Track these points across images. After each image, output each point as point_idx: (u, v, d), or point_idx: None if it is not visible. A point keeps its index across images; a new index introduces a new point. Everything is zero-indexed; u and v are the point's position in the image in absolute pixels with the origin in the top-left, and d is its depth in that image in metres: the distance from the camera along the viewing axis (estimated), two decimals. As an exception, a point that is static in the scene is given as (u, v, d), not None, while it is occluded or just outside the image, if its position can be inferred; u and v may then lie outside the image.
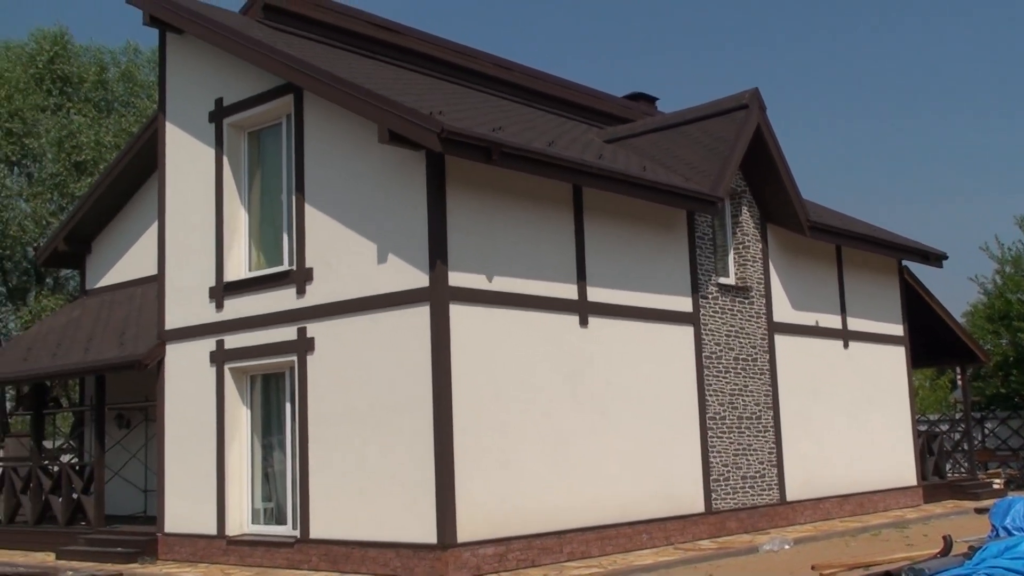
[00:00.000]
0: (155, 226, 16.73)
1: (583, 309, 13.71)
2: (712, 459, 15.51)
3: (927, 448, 21.50)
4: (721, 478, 15.63)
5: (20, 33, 53.17)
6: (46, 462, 17.90)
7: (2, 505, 18.03)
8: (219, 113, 14.79)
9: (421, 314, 11.94)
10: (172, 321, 15.25)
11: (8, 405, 30.12)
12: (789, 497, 16.94)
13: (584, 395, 13.56)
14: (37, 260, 22.86)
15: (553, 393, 13.13)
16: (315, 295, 13.21)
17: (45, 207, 29.89)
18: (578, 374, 13.52)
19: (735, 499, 15.82)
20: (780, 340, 17.34)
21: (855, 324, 19.38)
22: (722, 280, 16.42)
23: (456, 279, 12.05)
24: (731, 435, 15.98)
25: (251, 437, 14.40)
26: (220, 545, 14.09)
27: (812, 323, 18.27)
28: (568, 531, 12.96)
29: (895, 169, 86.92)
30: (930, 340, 23.01)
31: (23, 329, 28.51)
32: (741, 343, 16.49)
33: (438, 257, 11.87)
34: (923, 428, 26.03)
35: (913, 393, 20.98)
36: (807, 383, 17.87)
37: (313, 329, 13.18)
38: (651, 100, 23.02)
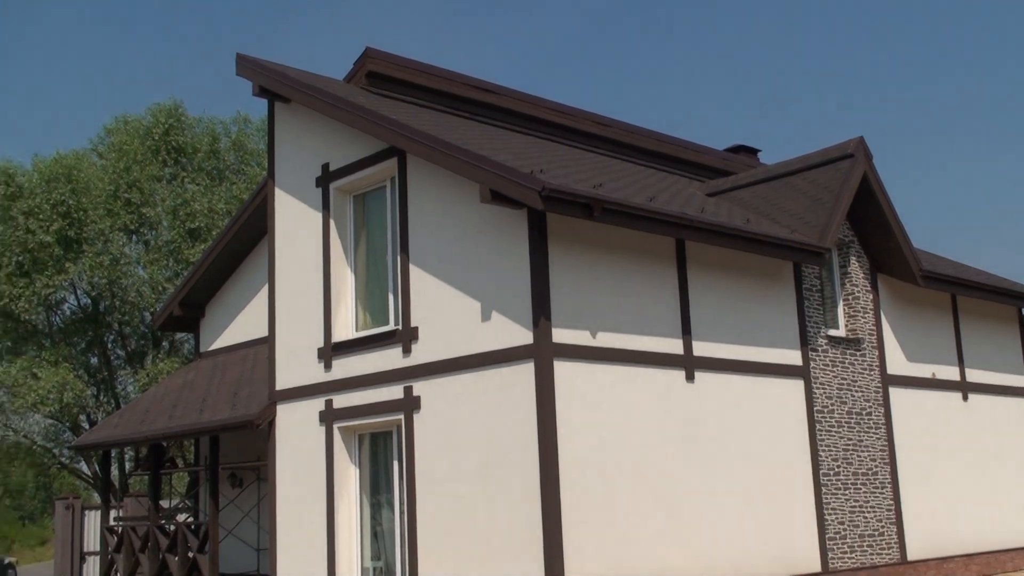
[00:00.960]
0: (265, 289, 17.18)
1: (689, 364, 13.54)
2: (827, 516, 15.06)
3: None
4: (838, 536, 15.15)
5: (138, 108, 55.61)
6: (163, 521, 18.32)
7: (122, 563, 18.48)
8: (326, 178, 15.16)
9: (526, 371, 11.95)
10: (282, 382, 15.55)
11: (127, 465, 31.00)
12: (910, 556, 16.31)
13: (692, 451, 13.34)
14: (154, 325, 23.62)
15: (661, 449, 12.95)
16: (421, 354, 13.34)
17: (161, 273, 30.92)
18: (686, 430, 13.32)
19: (853, 558, 15.30)
20: (895, 393, 16.84)
21: (974, 375, 18.71)
22: (832, 332, 16.06)
23: (560, 335, 12.04)
24: (846, 492, 15.51)
25: (360, 496, 14.52)
26: (330, 604, 14.17)
27: (928, 375, 17.70)
28: (679, 591, 12.68)
29: (1009, 212, 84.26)
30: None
31: (141, 391, 29.41)
32: (854, 396, 16.06)
33: (542, 314, 11.89)
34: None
35: (1039, 446, 20.08)
36: (925, 437, 17.28)
37: (419, 388, 13.30)
38: (753, 152, 22.83)
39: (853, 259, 16.66)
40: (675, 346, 13.45)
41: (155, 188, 31.51)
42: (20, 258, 29.46)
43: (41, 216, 29.36)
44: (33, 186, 29.99)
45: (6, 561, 30.82)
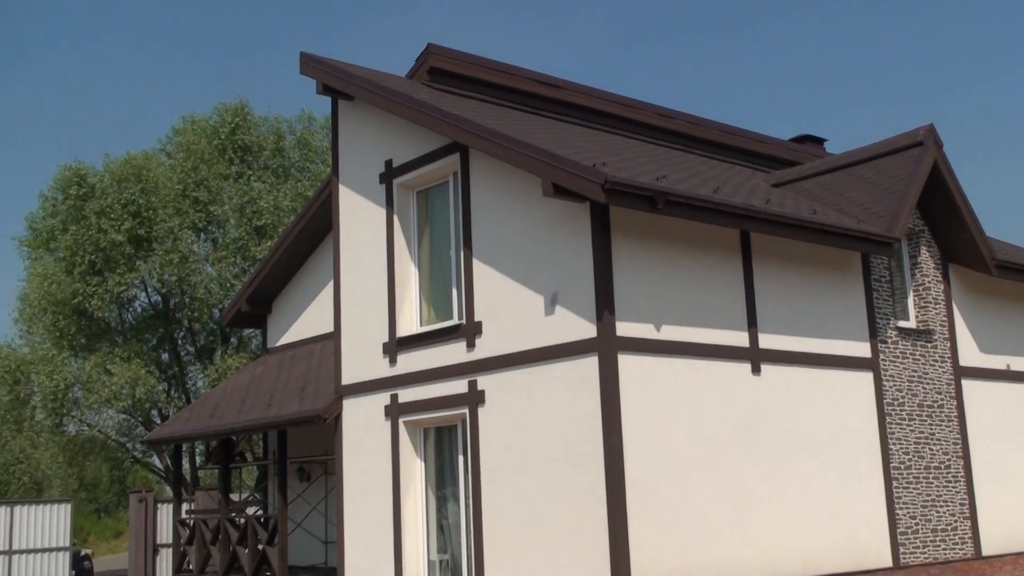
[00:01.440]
0: (331, 285, 17.35)
1: (755, 356, 13.40)
2: (898, 511, 14.81)
3: None
4: (909, 531, 14.89)
5: (204, 107, 56.45)
6: (233, 514, 18.62)
7: (194, 556, 18.82)
8: (389, 174, 15.27)
9: (589, 365, 11.92)
10: (348, 376, 15.70)
11: (198, 459, 31.55)
12: (985, 551, 15.97)
13: (759, 444, 13.21)
14: (222, 321, 23.97)
15: (726, 443, 12.84)
16: (484, 348, 13.38)
17: (229, 270, 31.38)
18: (752, 423, 13.19)
19: (925, 553, 15.03)
20: (968, 385, 16.50)
21: (1050, 366, 18.24)
22: (902, 323, 15.78)
23: (624, 329, 11.99)
24: (918, 485, 15.23)
25: (425, 489, 14.61)
26: (398, 597, 14.30)
27: (1003, 367, 17.32)
28: (747, 586, 12.57)
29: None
30: None
31: (210, 387, 29.89)
32: (925, 389, 15.76)
33: (605, 307, 11.85)
34: None
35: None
36: (1000, 430, 16.90)
37: (483, 382, 13.33)
38: (819, 141, 22.49)
39: (923, 249, 16.35)
40: (740, 339, 13.32)
41: (222, 186, 31.97)
42: (93, 257, 30.10)
43: (112, 216, 29.96)
44: (104, 186, 30.62)
45: (82, 553, 31.54)
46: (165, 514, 24.79)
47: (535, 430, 12.54)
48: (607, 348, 11.79)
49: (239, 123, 33.13)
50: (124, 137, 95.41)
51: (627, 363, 11.92)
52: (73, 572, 26.78)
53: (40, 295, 30.40)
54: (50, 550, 26.37)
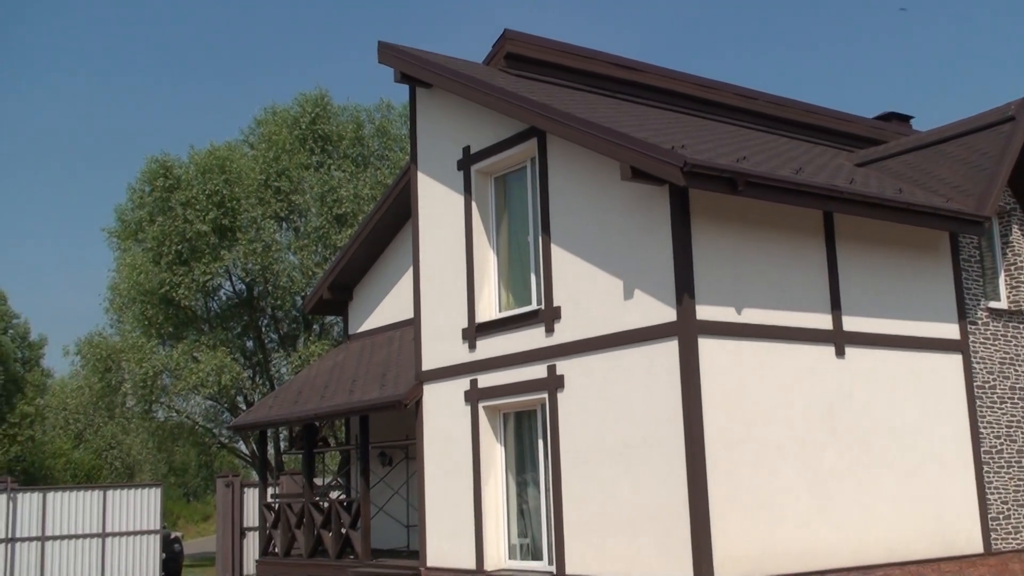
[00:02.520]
0: (410, 272, 17.48)
1: (839, 339, 13.16)
2: (989, 496, 14.44)
3: None
4: (1001, 516, 14.51)
5: (285, 98, 57.27)
6: (317, 498, 18.91)
7: (279, 539, 19.18)
8: (467, 160, 15.31)
9: (669, 349, 11.82)
10: (428, 362, 15.81)
11: (282, 444, 32.13)
12: (1081, 539, 15.51)
13: (843, 429, 12.98)
14: (304, 308, 24.34)
15: (810, 427, 12.64)
16: (563, 333, 13.35)
17: (310, 258, 31.84)
18: (836, 407, 12.97)
19: (1018, 539, 14.64)
20: (1062, 368, 15.99)
21: None
22: (992, 304, 15.35)
23: (704, 312, 11.86)
24: (1011, 470, 14.83)
25: (505, 474, 14.66)
26: (479, 580, 14.40)
27: (1099, 348, 16.73)
28: (831, 571, 12.37)
29: None
30: None
31: (294, 373, 30.39)
32: (1018, 371, 15.33)
33: (685, 291, 11.73)
34: None
35: None
36: (1096, 414, 16.35)
37: (563, 367, 13.32)
38: (905, 119, 21.93)
39: (1015, 227, 15.87)
40: (824, 321, 13.09)
41: (303, 176, 32.43)
42: (179, 247, 30.79)
43: (198, 206, 30.60)
44: (190, 178, 31.27)
45: (172, 536, 32.34)
46: (251, 498, 25.29)
47: (615, 414, 12.50)
48: (687, 332, 11.68)
49: (319, 113, 33.55)
50: (209, 129, 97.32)
51: (707, 347, 11.80)
52: (164, 554, 27.48)
53: (129, 285, 31.21)
54: (141, 533, 27.10)
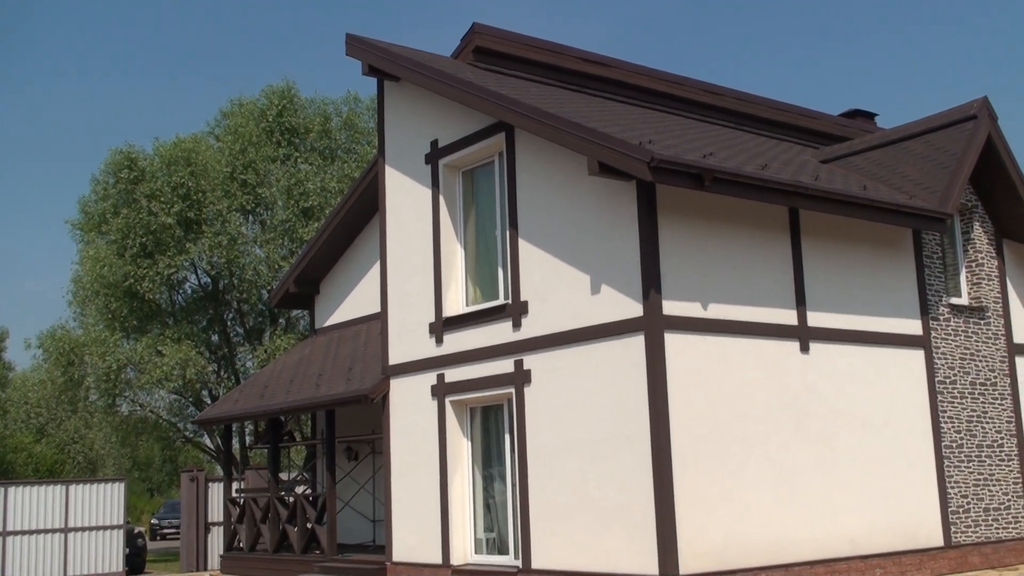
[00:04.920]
0: (377, 266, 17.43)
1: (804, 335, 13.28)
2: (950, 490, 14.63)
3: None
4: (960, 510, 14.71)
5: (252, 90, 56.79)
6: (283, 493, 18.83)
7: (244, 533, 19.08)
8: (435, 154, 15.28)
9: (636, 344, 11.87)
10: (395, 356, 15.78)
11: (248, 439, 31.94)
12: (1039, 532, 15.74)
13: (807, 423, 13.10)
14: (270, 302, 24.19)
15: (775, 422, 12.75)
16: (531, 327, 13.37)
17: (277, 252, 31.62)
18: (801, 402, 13.08)
19: (977, 532, 14.84)
20: (1022, 363, 16.21)
21: (1107, 344, 17.86)
22: (954, 300, 15.54)
23: (670, 307, 11.92)
24: (970, 464, 15.03)
25: (472, 468, 14.67)
26: (445, 574, 14.39)
27: (1057, 344, 16.99)
28: (795, 564, 12.49)
29: None
30: None
31: (259, 367, 30.20)
32: (978, 367, 15.53)
33: (651, 286, 11.78)
34: None
35: None
36: (1054, 409, 16.60)
37: (529, 361, 13.34)
38: (869, 116, 22.15)
39: (976, 225, 16.07)
40: (789, 317, 13.19)
41: (270, 169, 32.18)
42: (144, 239, 30.46)
43: (162, 198, 30.28)
44: (154, 170, 30.94)
45: (136, 531, 32.08)
46: (216, 493, 25.12)
47: (581, 409, 12.53)
48: (653, 327, 11.73)
49: (286, 105, 33.30)
50: (174, 121, 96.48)
51: (674, 342, 11.86)
52: (127, 549, 27.23)
53: (93, 278, 30.84)
54: (104, 528, 26.84)
